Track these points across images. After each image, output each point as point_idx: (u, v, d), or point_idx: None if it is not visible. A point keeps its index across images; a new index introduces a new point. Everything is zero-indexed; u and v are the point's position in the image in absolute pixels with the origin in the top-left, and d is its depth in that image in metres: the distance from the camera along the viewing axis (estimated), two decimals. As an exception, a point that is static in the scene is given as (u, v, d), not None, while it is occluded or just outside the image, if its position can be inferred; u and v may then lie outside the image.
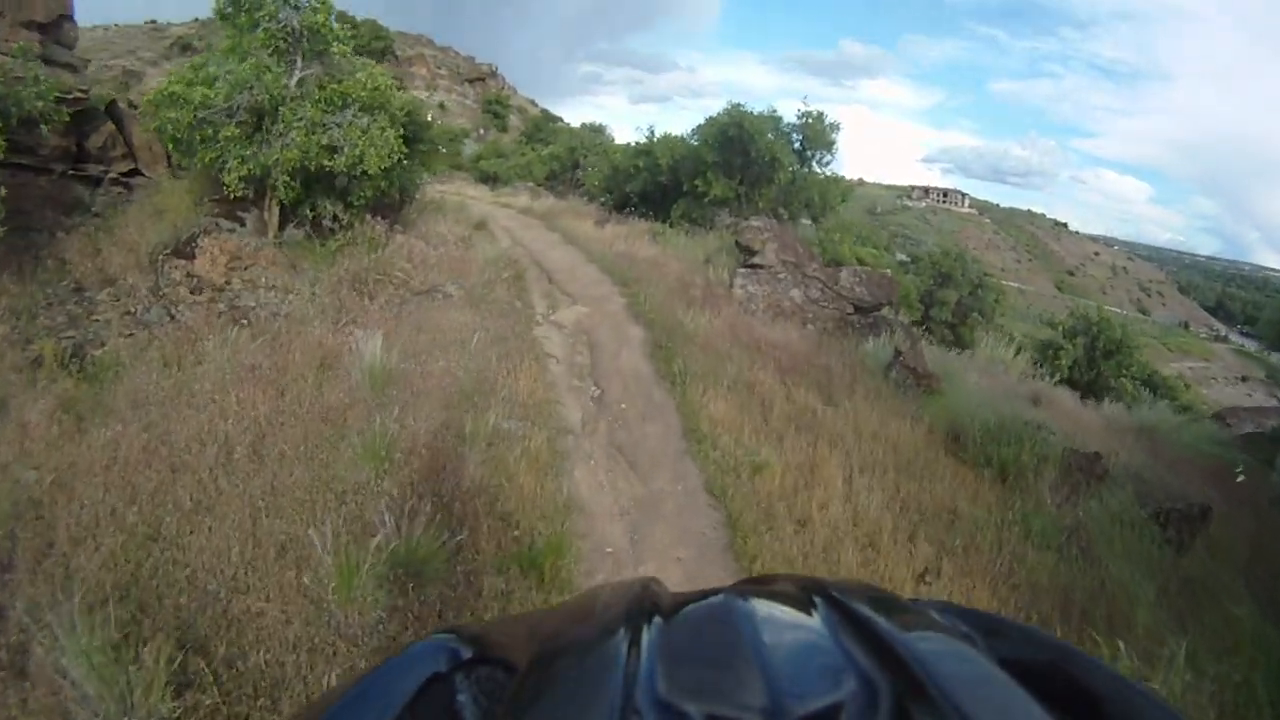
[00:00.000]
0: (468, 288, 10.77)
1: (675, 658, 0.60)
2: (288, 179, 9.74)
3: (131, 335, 9.29)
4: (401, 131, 10.98)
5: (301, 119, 9.70)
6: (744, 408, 8.11)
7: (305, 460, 6.21)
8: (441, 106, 67.41)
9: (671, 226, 16.96)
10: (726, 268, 13.00)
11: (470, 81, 78.03)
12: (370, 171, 9.69)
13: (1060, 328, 18.91)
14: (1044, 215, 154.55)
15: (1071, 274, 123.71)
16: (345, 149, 9.66)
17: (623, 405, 8.05)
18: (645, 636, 0.64)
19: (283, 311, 10.02)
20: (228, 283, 10.31)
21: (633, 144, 21.02)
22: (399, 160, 10.55)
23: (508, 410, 7.28)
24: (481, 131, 67.12)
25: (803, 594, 0.73)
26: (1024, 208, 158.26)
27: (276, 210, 10.70)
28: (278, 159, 9.53)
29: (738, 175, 16.69)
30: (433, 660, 0.70)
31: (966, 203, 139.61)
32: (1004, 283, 27.91)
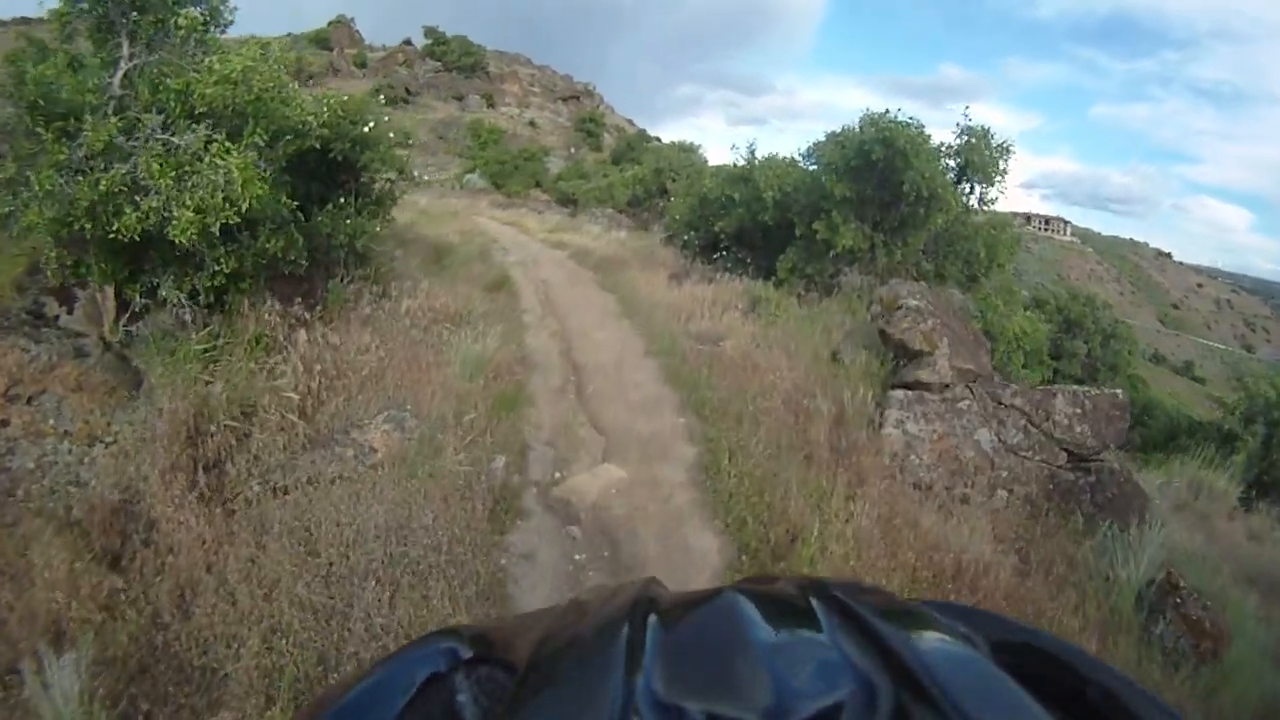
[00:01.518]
0: (410, 428, 6.07)
1: (675, 657, 0.59)
2: (59, 251, 5.27)
3: None
4: (318, 148, 6.40)
5: (79, 143, 5.18)
6: None
7: None
8: (532, 124, 64.43)
9: (779, 285, 11.90)
10: (868, 380, 7.88)
11: (564, 100, 75.46)
12: (179, 238, 5.06)
13: (1236, 411, 14.40)
14: (1146, 244, 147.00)
15: (1176, 307, 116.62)
16: (152, 195, 5.07)
17: None
18: (645, 636, 0.62)
19: (71, 480, 5.65)
20: (3, 423, 5.97)
21: (728, 166, 16.08)
22: (290, 206, 5.99)
23: None
24: (572, 150, 63.73)
25: (802, 594, 0.71)
26: (1125, 236, 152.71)
27: (113, 291, 6.28)
28: (36, 220, 5.04)
29: (874, 216, 11.50)
30: (433, 660, 0.68)
31: (1068, 231, 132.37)
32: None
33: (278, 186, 6.36)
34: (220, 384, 5.82)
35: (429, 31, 68.82)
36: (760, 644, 0.60)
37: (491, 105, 65.50)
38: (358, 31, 72.59)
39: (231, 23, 6.74)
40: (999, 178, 12.45)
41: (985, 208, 13.19)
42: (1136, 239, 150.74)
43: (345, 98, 7.30)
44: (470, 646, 0.71)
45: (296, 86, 6.27)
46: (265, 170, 5.97)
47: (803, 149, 13.57)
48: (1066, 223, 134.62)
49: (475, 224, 17.78)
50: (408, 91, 62.86)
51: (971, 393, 7.66)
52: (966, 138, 12.32)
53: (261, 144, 5.74)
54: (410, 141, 10.92)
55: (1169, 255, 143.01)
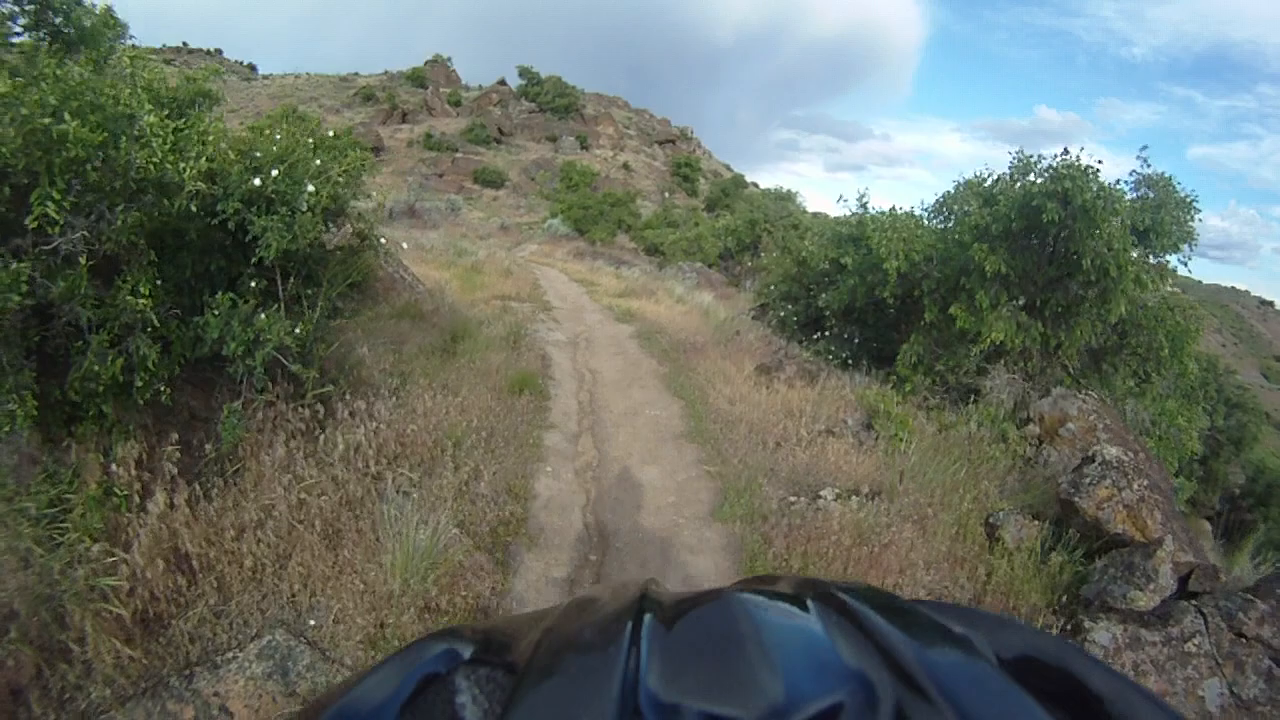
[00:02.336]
0: (299, 671, 3.61)
1: (675, 657, 0.59)
2: None
3: None
4: (196, 211, 4.08)
5: None
6: None
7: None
8: (626, 167, 63.05)
9: (899, 384, 9.04)
10: (1045, 585, 5.00)
11: (660, 143, 74.40)
12: None
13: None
14: (1248, 292, 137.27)
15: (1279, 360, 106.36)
16: None
17: None
18: (645, 636, 0.63)
19: None
20: None
21: (833, 222, 13.26)
22: (143, 305, 3.71)
23: None
24: (666, 195, 61.94)
25: (802, 594, 0.71)
26: (1226, 284, 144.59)
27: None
28: None
29: (1034, 298, 8.56)
30: (433, 660, 0.67)
31: (1169, 281, 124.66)
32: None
33: (139, 270, 4.03)
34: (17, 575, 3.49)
35: (523, 71, 68.63)
36: (760, 644, 0.59)
37: (585, 147, 64.60)
38: (454, 70, 73.15)
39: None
40: (1187, 245, 9.35)
41: (1169, 286, 10.18)
42: (1238, 286, 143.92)
43: (257, 127, 4.90)
44: (471, 646, 0.69)
45: (153, 119, 3.86)
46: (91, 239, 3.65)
47: (925, 203, 10.72)
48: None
49: (534, 283, 15.39)
50: (500, 131, 62.50)
51: (1204, 621, 4.71)
52: (1146, 190, 9.29)
53: (56, 217, 3.39)
54: (373, 195, 8.49)
55: (1271, 304, 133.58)
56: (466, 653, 0.68)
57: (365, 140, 55.66)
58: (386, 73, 75.18)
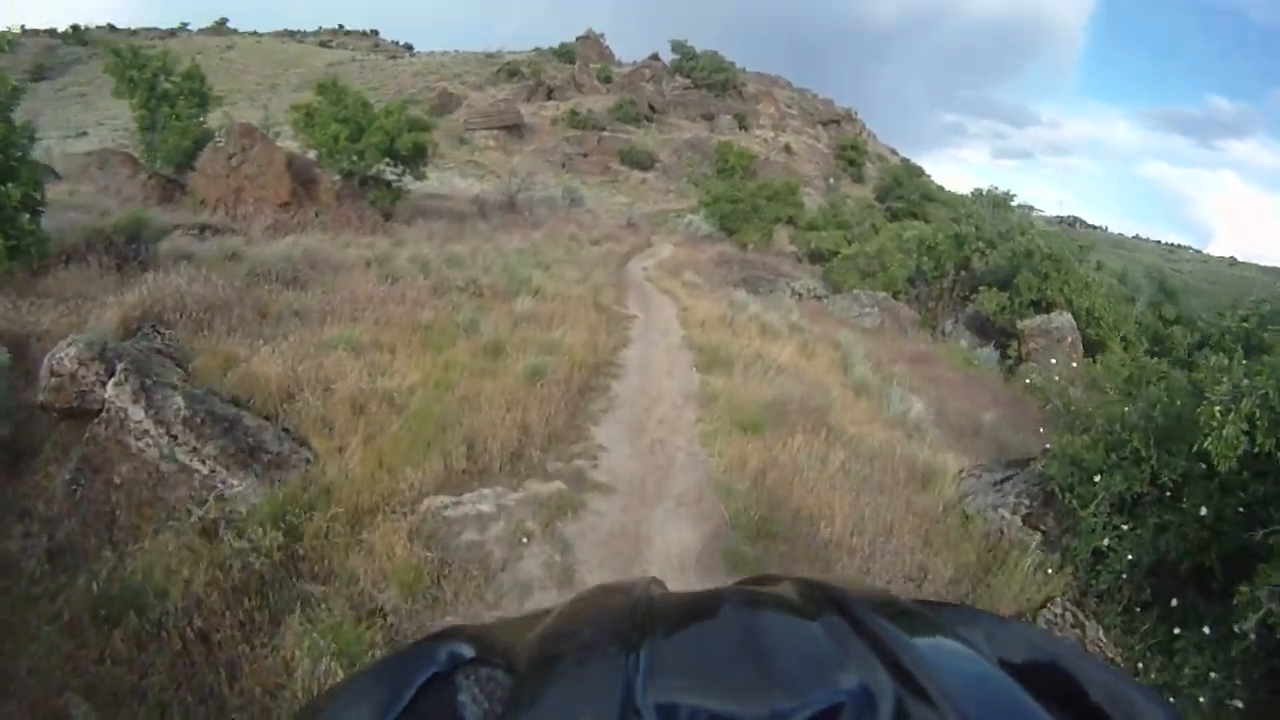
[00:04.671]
0: None
1: (675, 657, 0.59)
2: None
3: None
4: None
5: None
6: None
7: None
8: (787, 149, 56.09)
9: None
10: None
11: (824, 124, 67.58)
12: None
13: None
14: None
15: None
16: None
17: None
18: (646, 636, 0.61)
19: None
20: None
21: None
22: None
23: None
24: (831, 181, 54.55)
25: (803, 595, 0.70)
26: None
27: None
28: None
29: None
30: (434, 660, 0.65)
31: None
32: None
33: None
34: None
35: (677, 45, 62.88)
36: (760, 644, 0.59)
37: (744, 127, 58.21)
38: (607, 46, 68.50)
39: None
40: None
41: None
42: None
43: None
44: (472, 646, 0.68)
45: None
46: None
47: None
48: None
49: (601, 371, 9.23)
50: (652, 109, 57.06)
51: None
52: None
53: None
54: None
55: None
56: (469, 652, 0.65)
57: (507, 117, 51.86)
58: (536, 49, 71.40)
